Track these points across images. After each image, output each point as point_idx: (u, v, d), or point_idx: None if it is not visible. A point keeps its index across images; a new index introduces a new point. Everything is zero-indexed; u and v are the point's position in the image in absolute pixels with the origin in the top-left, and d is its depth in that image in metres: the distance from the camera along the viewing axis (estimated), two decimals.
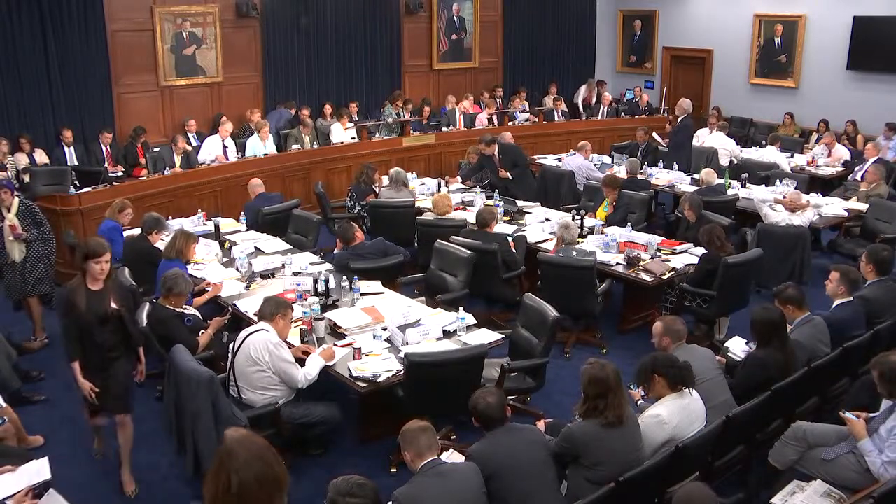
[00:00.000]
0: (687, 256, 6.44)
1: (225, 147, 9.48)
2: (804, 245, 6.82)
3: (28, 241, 5.98)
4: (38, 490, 3.39)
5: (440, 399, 4.31)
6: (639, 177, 8.60)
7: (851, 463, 3.72)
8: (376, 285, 5.69)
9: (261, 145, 9.51)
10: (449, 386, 4.29)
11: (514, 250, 6.42)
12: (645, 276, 6.05)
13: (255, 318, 4.67)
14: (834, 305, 5.01)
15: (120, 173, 9.41)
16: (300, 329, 4.87)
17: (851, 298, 4.96)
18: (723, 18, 13.05)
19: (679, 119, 9.80)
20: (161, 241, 6.09)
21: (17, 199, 6.03)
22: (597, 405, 3.49)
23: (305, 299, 5.26)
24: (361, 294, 5.48)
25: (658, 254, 6.41)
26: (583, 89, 14.22)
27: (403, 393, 4.36)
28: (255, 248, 6.50)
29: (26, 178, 8.54)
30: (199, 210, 7.64)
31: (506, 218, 7.49)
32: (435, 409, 4.29)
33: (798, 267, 6.76)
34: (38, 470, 3.54)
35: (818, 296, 5.70)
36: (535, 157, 10.23)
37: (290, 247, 6.67)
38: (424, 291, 6.24)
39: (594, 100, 13.80)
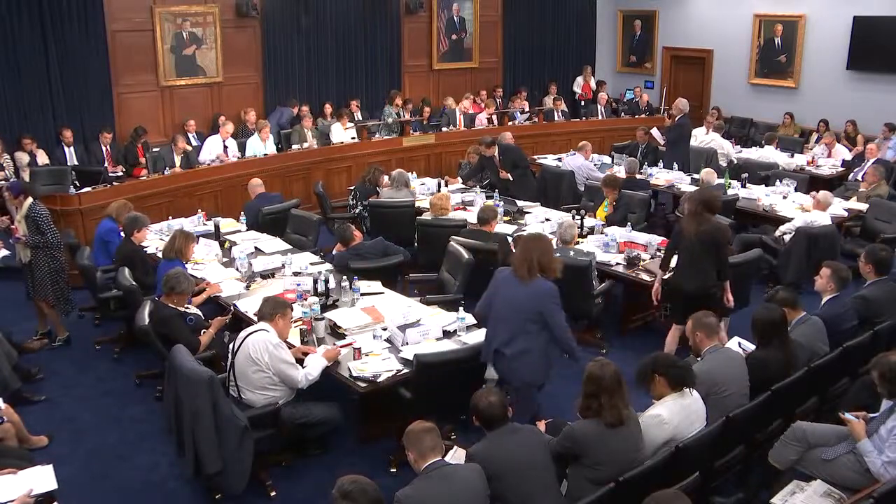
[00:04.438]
0: None
1: (226, 147, 9.49)
2: (837, 240, 7.03)
3: (30, 247, 5.99)
4: (41, 500, 3.37)
5: (448, 399, 4.30)
6: (637, 177, 8.59)
7: (851, 463, 3.72)
8: (376, 285, 5.69)
9: (261, 145, 9.51)
10: (456, 385, 4.28)
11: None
12: (645, 276, 6.05)
13: (255, 318, 4.67)
14: (823, 302, 5.04)
15: (120, 173, 9.41)
16: (300, 329, 4.86)
17: (839, 294, 4.99)
18: (723, 18, 13.04)
19: (676, 119, 9.79)
20: (149, 240, 6.22)
21: (28, 203, 5.97)
22: (590, 405, 3.48)
23: (305, 299, 5.26)
24: (361, 294, 5.48)
25: (658, 254, 6.41)
26: (579, 79, 14.26)
27: (411, 394, 4.35)
28: (255, 248, 6.49)
29: (26, 178, 8.54)
30: (199, 210, 7.63)
31: (506, 218, 7.48)
32: (443, 409, 4.30)
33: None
34: (44, 478, 3.52)
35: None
36: (535, 157, 10.22)
37: (290, 247, 6.67)
38: (431, 291, 6.21)
39: (593, 87, 13.85)
